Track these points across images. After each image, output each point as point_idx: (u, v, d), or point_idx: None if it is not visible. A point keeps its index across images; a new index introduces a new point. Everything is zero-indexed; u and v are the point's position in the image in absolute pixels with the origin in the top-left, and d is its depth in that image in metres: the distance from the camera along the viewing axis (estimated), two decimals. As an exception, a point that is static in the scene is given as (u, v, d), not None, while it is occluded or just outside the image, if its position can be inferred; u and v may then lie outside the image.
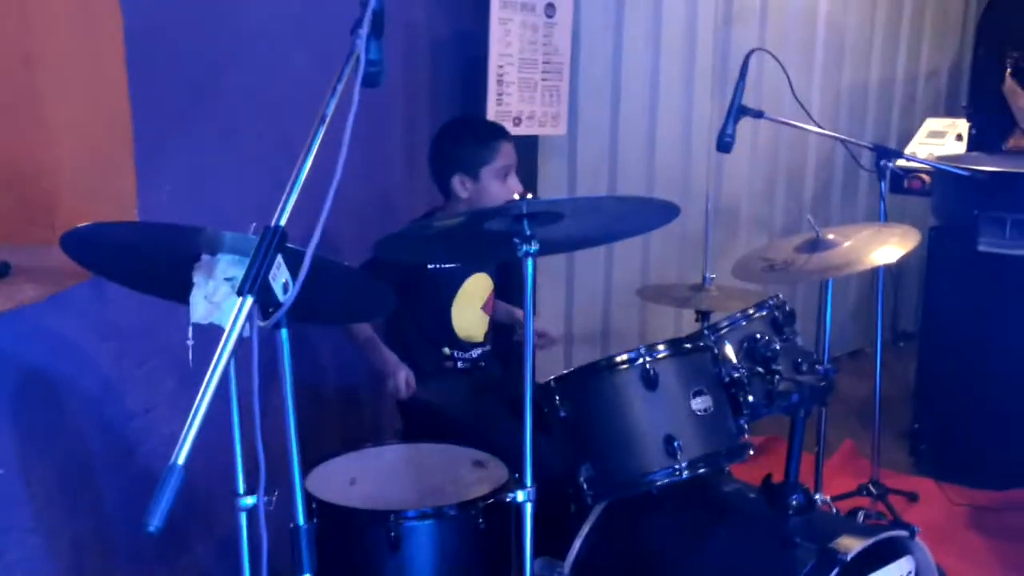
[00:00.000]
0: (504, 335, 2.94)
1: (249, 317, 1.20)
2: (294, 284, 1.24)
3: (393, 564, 2.00)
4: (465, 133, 2.65)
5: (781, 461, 2.07)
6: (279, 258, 1.23)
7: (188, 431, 1.02)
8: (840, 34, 4.69)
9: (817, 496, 2.73)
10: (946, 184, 3.49)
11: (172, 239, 1.57)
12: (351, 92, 1.32)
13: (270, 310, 1.26)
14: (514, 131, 3.20)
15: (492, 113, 3.15)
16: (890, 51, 5.04)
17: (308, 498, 2.06)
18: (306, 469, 2.21)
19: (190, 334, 1.52)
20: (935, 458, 3.59)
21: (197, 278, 1.51)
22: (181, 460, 1.01)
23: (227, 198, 2.41)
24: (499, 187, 2.55)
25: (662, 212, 1.82)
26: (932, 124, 4.21)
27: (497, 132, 2.64)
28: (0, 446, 1.89)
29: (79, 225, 1.52)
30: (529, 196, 1.66)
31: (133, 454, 2.23)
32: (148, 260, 1.63)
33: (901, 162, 3.43)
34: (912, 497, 3.33)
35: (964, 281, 3.44)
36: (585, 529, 2.10)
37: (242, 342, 1.30)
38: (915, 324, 5.03)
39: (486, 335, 2.79)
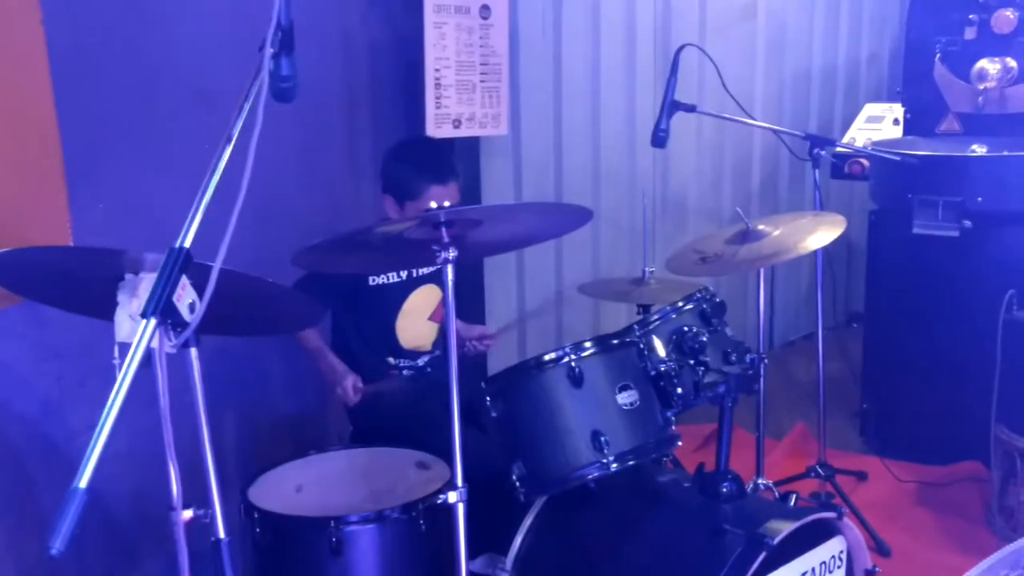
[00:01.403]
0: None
1: (161, 338, 1.23)
2: (200, 304, 1.26)
3: (336, 569, 2.02)
4: (405, 161, 2.59)
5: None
6: (184, 279, 1.26)
7: (90, 455, 1.05)
8: (781, 23, 4.75)
9: (760, 481, 2.79)
10: (882, 169, 3.57)
11: (96, 261, 1.58)
12: (272, 109, 1.35)
13: (179, 330, 1.29)
14: (454, 133, 3.23)
15: (431, 116, 3.16)
16: (831, 38, 5.11)
17: (250, 508, 2.09)
18: (250, 479, 2.23)
19: (115, 353, 1.54)
20: (883, 436, 3.66)
21: (121, 297, 1.53)
22: (83, 483, 1.03)
23: (163, 214, 2.39)
24: None
25: (578, 215, 1.86)
26: (870, 109, 4.28)
27: (434, 175, 2.51)
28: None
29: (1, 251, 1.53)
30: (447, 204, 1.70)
31: (77, 472, 2.24)
32: (75, 282, 1.64)
33: (841, 147, 3.50)
34: (860, 476, 3.40)
35: (903, 262, 3.52)
36: (526, 524, 2.14)
37: (168, 360, 1.33)
38: (866, 305, 5.12)
39: (435, 343, 2.79)
